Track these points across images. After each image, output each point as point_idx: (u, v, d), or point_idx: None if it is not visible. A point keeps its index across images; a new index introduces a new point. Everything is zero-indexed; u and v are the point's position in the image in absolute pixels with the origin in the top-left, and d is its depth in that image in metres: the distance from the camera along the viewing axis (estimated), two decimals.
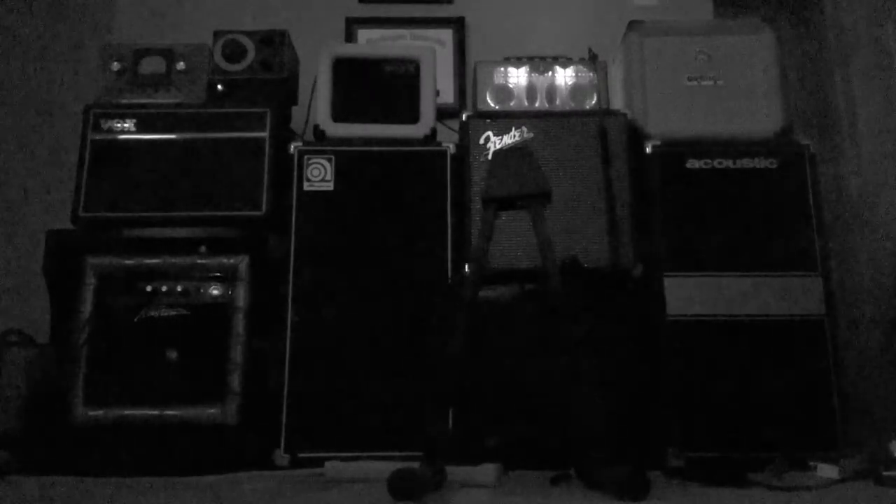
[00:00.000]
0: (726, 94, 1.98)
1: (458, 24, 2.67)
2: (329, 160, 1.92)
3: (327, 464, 1.60)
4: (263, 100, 2.00)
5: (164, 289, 1.82)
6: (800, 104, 2.81)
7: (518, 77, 2.05)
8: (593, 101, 2.03)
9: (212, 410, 1.73)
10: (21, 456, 1.70)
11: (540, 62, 2.06)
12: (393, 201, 1.90)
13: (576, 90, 2.04)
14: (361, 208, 1.89)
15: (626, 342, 1.80)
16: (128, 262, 1.83)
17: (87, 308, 1.79)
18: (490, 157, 1.88)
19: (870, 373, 2.21)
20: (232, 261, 1.84)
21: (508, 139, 1.94)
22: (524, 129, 1.94)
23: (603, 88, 2.04)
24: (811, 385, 1.75)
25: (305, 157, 1.93)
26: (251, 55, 2.06)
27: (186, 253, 1.84)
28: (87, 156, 1.92)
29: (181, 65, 2.03)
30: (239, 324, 1.79)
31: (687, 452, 1.70)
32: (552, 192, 1.77)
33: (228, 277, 1.83)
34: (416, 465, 1.33)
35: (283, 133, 2.01)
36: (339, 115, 1.99)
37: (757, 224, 1.85)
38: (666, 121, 1.95)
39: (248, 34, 2.07)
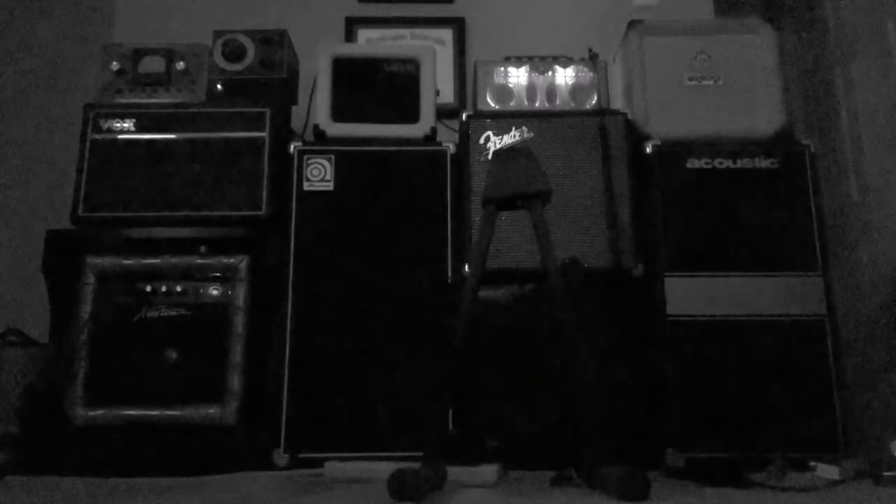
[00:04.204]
0: (726, 94, 1.98)
1: (458, 24, 2.67)
2: (329, 160, 1.92)
3: (327, 464, 1.60)
4: (263, 100, 2.00)
5: (163, 289, 1.82)
6: (800, 104, 2.81)
7: (518, 77, 2.05)
8: (593, 101, 2.03)
9: (212, 410, 1.73)
10: (21, 456, 1.70)
11: (540, 62, 2.06)
12: (393, 201, 1.90)
13: (576, 90, 2.04)
14: (361, 208, 1.89)
15: (626, 342, 1.80)
16: (127, 262, 1.83)
17: (86, 308, 1.79)
18: (490, 156, 1.88)
19: (870, 373, 2.20)
20: (232, 261, 1.84)
21: (508, 139, 1.94)
22: (524, 128, 1.94)
23: (603, 88, 2.04)
24: (811, 385, 1.75)
25: (305, 156, 1.93)
26: (251, 55, 2.06)
27: (186, 253, 1.84)
28: (86, 156, 1.92)
29: (181, 65, 2.03)
30: (239, 324, 1.79)
31: (687, 452, 1.70)
32: (552, 192, 1.77)
33: (228, 277, 1.83)
34: (416, 465, 1.33)
35: (283, 133, 2.01)
36: (339, 115, 1.99)
37: (757, 224, 1.85)
38: (666, 121, 1.95)
39: (248, 34, 2.07)
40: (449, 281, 1.84)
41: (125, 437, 1.72)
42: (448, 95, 2.55)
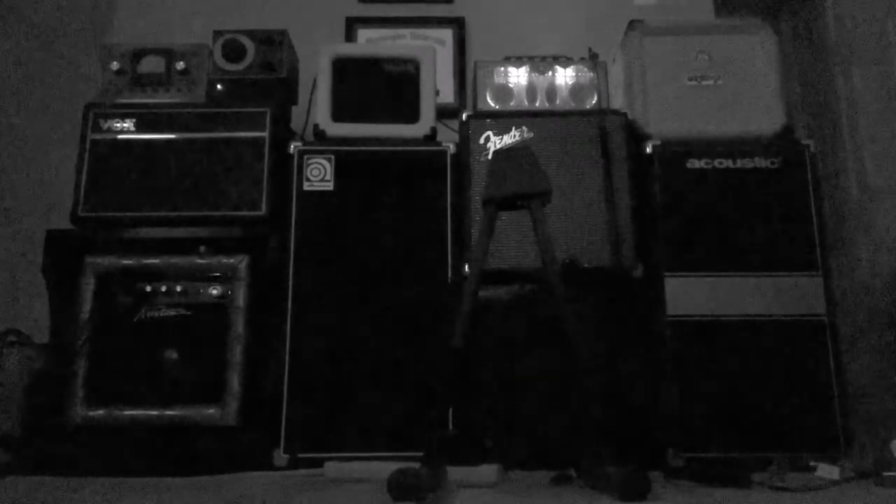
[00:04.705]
0: (726, 94, 1.97)
1: (458, 24, 2.67)
2: (329, 160, 1.92)
3: (327, 464, 1.60)
4: (263, 100, 2.00)
5: (163, 289, 1.82)
6: (800, 104, 2.81)
7: (518, 77, 2.05)
8: (593, 101, 2.03)
9: (212, 410, 1.73)
10: (21, 456, 1.70)
11: (540, 62, 2.06)
12: (393, 201, 1.90)
13: (576, 90, 2.04)
14: (361, 208, 1.89)
15: (626, 342, 1.80)
16: (127, 262, 1.83)
17: (86, 308, 1.79)
18: (490, 156, 1.88)
19: (870, 373, 2.20)
20: (232, 261, 1.84)
21: (508, 139, 1.94)
22: (524, 128, 1.94)
23: (603, 88, 2.04)
24: (811, 385, 1.75)
25: (305, 156, 1.92)
26: (251, 55, 2.06)
27: (186, 253, 1.84)
28: (86, 156, 1.92)
29: (181, 65, 2.02)
30: (239, 324, 1.79)
31: (687, 452, 1.70)
32: (552, 192, 1.77)
33: (228, 277, 1.83)
34: (416, 465, 1.33)
35: (283, 133, 2.01)
36: (339, 115, 1.99)
37: (757, 224, 1.85)
38: (666, 121, 1.95)
39: (248, 34, 2.07)
40: (449, 281, 1.84)
41: (125, 437, 1.72)
42: (448, 95, 2.55)
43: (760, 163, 1.89)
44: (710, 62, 2.00)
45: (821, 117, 2.63)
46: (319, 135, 1.97)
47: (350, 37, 2.64)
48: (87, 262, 1.82)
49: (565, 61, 2.07)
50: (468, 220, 1.87)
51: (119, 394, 1.74)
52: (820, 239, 1.84)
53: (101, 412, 1.72)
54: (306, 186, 1.90)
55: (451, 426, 1.74)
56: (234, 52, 2.04)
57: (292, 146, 1.94)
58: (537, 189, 1.52)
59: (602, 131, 1.92)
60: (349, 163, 1.92)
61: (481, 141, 1.94)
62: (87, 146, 1.93)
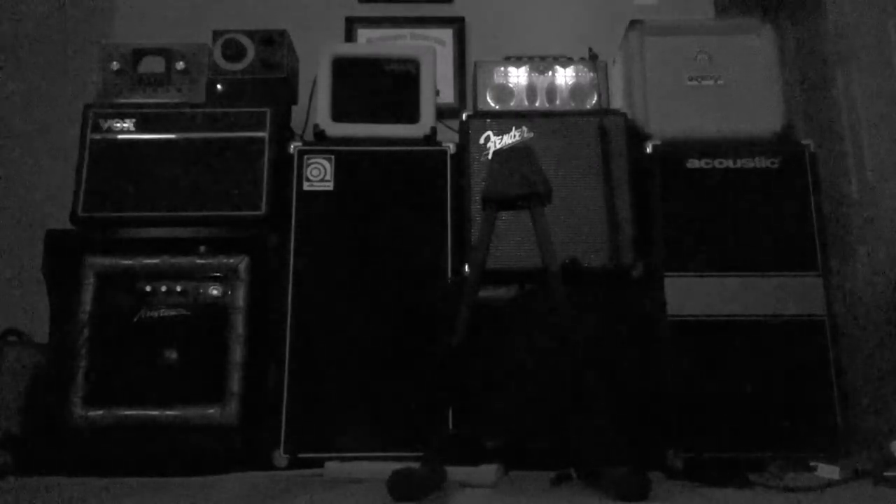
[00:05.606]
0: (727, 94, 1.97)
1: (458, 24, 2.67)
2: (329, 160, 1.92)
3: (327, 464, 1.60)
4: (263, 100, 2.00)
5: (163, 289, 1.82)
6: (800, 104, 2.81)
7: (518, 77, 2.05)
8: (593, 101, 2.03)
9: (212, 410, 1.73)
10: (21, 456, 1.70)
11: (540, 62, 2.06)
12: (393, 201, 1.90)
13: (576, 90, 2.04)
14: (361, 208, 1.89)
15: (626, 342, 1.80)
16: (127, 262, 1.83)
17: (86, 308, 1.79)
18: (490, 156, 1.88)
19: (870, 373, 2.20)
20: (232, 261, 1.84)
21: (508, 139, 1.94)
22: (524, 128, 1.94)
23: (603, 88, 2.04)
24: (811, 385, 1.75)
25: (305, 156, 1.93)
26: (251, 55, 2.06)
27: (186, 253, 1.84)
28: (86, 156, 1.92)
29: (181, 64, 2.03)
30: (239, 324, 1.79)
31: (687, 452, 1.70)
32: (552, 192, 1.77)
33: (228, 277, 1.83)
34: (416, 465, 1.33)
35: (282, 133, 2.01)
36: (339, 115, 1.99)
37: (757, 224, 1.85)
38: (666, 121, 1.95)
39: (248, 34, 2.07)
40: (449, 281, 1.84)
41: (125, 437, 1.72)
42: (448, 95, 2.55)
43: (760, 163, 1.89)
44: (710, 62, 2.00)
45: (821, 117, 2.62)
46: (319, 135, 1.97)
47: (350, 37, 2.65)
48: (87, 262, 1.82)
49: (565, 61, 2.07)
50: (468, 220, 1.87)
51: (119, 394, 1.74)
52: (820, 239, 1.84)
53: (100, 412, 1.72)
54: (306, 186, 1.90)
55: (450, 426, 1.74)
56: (234, 52, 2.04)
57: (292, 146, 1.94)
58: (537, 189, 1.52)
59: (602, 131, 1.92)
60: (349, 163, 1.92)
61: (481, 141, 1.94)
62: (87, 146, 1.93)
